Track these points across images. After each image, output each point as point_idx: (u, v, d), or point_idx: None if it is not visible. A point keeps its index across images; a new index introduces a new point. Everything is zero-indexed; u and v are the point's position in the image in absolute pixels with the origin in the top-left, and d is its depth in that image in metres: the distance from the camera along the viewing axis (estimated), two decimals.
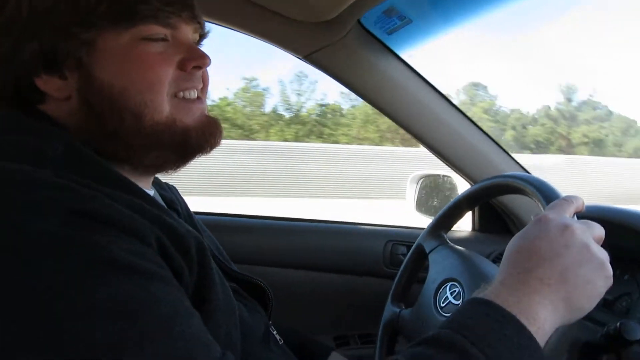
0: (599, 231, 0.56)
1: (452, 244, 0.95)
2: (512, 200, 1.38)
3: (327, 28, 1.09)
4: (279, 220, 1.52)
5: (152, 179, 0.68)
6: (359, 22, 1.12)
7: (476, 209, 1.50)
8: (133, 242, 0.45)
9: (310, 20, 1.08)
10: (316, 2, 1.00)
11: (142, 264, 0.44)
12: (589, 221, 0.57)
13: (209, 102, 0.67)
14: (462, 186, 1.45)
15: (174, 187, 0.80)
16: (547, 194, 0.70)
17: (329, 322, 1.45)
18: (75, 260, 0.41)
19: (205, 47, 0.67)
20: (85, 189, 0.47)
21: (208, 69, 0.65)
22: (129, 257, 0.43)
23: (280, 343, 0.74)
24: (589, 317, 0.53)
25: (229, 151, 11.79)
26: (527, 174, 1.05)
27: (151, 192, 0.67)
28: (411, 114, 1.27)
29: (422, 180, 1.65)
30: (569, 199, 0.60)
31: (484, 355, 0.45)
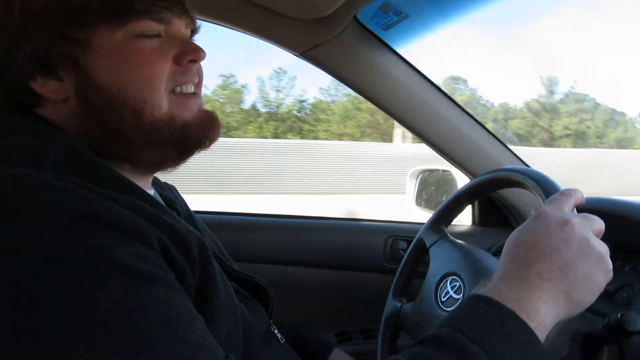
0: (599, 224, 0.56)
1: (452, 238, 0.95)
2: (512, 194, 1.38)
3: (323, 24, 1.09)
4: (278, 218, 1.52)
5: (151, 178, 0.68)
6: (355, 18, 1.11)
7: (476, 203, 1.50)
8: (135, 245, 0.45)
9: (306, 17, 1.08)
10: None
11: (144, 267, 0.44)
12: (589, 215, 0.57)
13: None
14: (462, 180, 1.45)
15: (174, 187, 0.80)
16: (546, 188, 0.70)
17: (330, 318, 1.46)
18: (78, 265, 0.41)
19: None
20: (86, 192, 0.46)
21: None
22: (132, 261, 0.43)
23: (282, 341, 0.74)
24: (589, 309, 0.53)
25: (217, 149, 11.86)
26: (526, 167, 1.05)
27: (151, 191, 0.67)
28: (409, 109, 1.27)
29: (421, 175, 1.65)
30: (567, 193, 0.60)
31: (485, 353, 0.44)
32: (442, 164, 1.48)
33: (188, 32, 0.65)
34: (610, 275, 0.54)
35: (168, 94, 0.59)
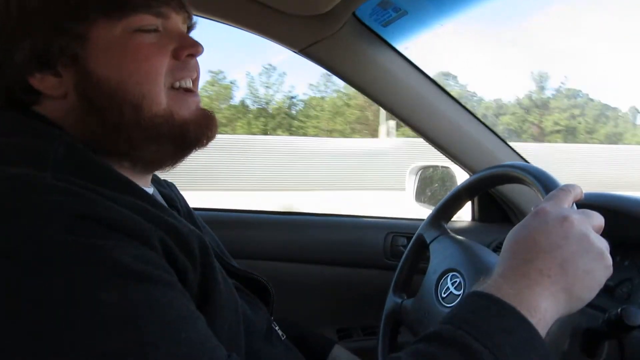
0: (599, 220, 0.56)
1: (452, 234, 0.95)
2: (511, 190, 1.38)
3: (322, 21, 1.09)
4: (278, 215, 1.52)
5: (150, 176, 0.68)
6: (354, 14, 1.11)
7: (475, 199, 1.50)
8: (137, 246, 0.45)
9: (305, 14, 1.07)
10: None
11: (146, 269, 0.44)
12: (588, 210, 0.57)
13: None
14: (461, 176, 1.45)
15: (173, 184, 0.80)
16: (546, 183, 0.70)
17: (331, 315, 1.46)
18: (78, 266, 0.41)
19: None
20: (87, 192, 0.46)
21: None
22: (133, 262, 0.43)
23: (283, 338, 0.74)
24: (590, 304, 0.53)
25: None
26: (525, 163, 1.05)
27: (150, 189, 0.67)
28: (408, 105, 1.27)
29: (421, 171, 1.66)
30: (567, 189, 0.60)
31: (487, 349, 0.45)
32: (442, 160, 1.48)
33: (185, 27, 0.65)
34: (610, 271, 0.54)
35: (167, 89, 0.59)
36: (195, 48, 0.62)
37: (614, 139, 23.88)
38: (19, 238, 0.41)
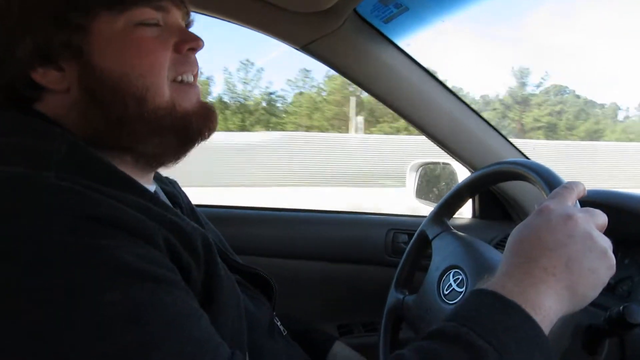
0: (602, 219, 0.56)
1: (454, 231, 0.95)
2: (512, 187, 1.38)
3: (323, 18, 1.09)
4: (280, 211, 1.52)
5: (152, 174, 0.68)
6: (355, 11, 1.11)
7: (476, 196, 1.51)
8: (141, 245, 0.45)
9: (306, 11, 1.07)
10: None
11: (150, 268, 0.44)
12: (592, 209, 0.57)
13: None
14: (462, 173, 1.45)
15: (175, 182, 0.80)
16: (549, 181, 0.70)
17: (332, 311, 1.46)
18: (81, 267, 0.41)
19: None
20: (90, 192, 0.46)
21: None
22: (137, 262, 0.43)
23: (285, 334, 0.75)
24: (591, 302, 0.54)
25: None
26: (527, 160, 1.05)
27: (153, 187, 0.67)
28: (410, 102, 1.27)
29: (421, 168, 1.66)
30: (570, 186, 0.60)
31: (491, 347, 0.45)
32: (443, 157, 1.48)
33: (183, 23, 0.65)
34: (614, 270, 0.54)
35: (170, 82, 0.59)
36: (196, 42, 0.62)
37: (595, 135, 24.01)
38: (22, 239, 0.41)
